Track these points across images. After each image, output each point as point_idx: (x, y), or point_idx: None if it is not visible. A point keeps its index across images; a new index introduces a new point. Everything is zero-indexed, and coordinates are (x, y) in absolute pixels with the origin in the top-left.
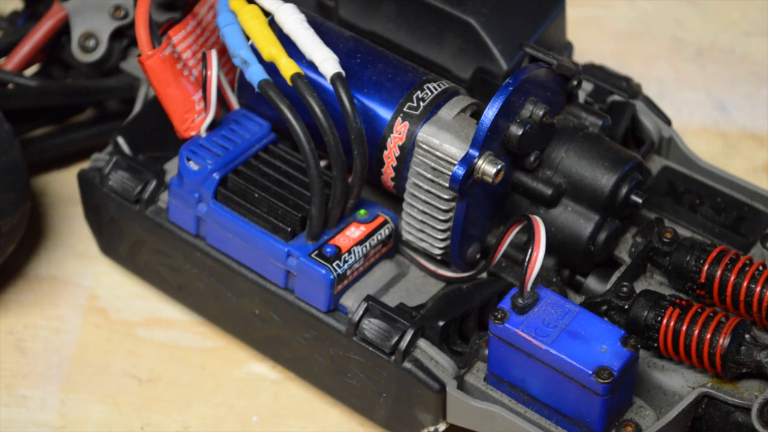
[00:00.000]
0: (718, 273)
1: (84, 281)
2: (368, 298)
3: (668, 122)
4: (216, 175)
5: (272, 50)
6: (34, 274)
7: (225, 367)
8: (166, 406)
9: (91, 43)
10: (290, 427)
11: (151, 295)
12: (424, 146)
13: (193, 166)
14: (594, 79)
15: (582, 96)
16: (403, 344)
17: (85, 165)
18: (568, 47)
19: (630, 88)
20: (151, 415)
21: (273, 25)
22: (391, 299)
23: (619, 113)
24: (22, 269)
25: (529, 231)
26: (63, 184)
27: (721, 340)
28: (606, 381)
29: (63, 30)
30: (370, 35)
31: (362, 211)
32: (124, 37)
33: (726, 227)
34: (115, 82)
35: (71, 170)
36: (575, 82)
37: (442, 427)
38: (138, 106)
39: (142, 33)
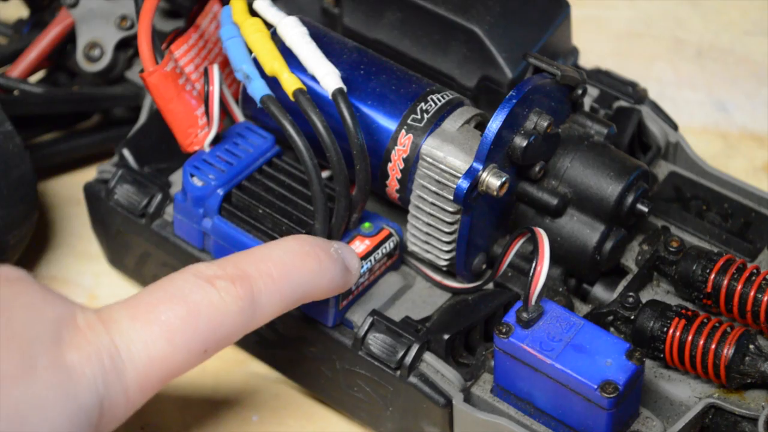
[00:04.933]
0: (725, 282)
1: (84, 281)
2: (373, 313)
3: (675, 127)
4: (220, 191)
5: (274, 65)
6: (35, 274)
7: (225, 367)
8: (166, 406)
9: (96, 52)
10: (290, 427)
11: None
12: (428, 159)
13: (197, 182)
14: (600, 85)
15: (588, 101)
16: (409, 359)
17: (85, 168)
18: (573, 52)
19: (636, 93)
20: (151, 415)
21: (275, 37)
22: (396, 312)
23: (626, 119)
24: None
25: (533, 245)
26: (63, 185)
27: (725, 351)
28: (611, 395)
29: (69, 38)
30: (375, 43)
31: (367, 224)
32: (129, 47)
33: (733, 233)
34: (120, 90)
35: (71, 171)
36: (580, 92)
37: None
38: (143, 117)
39: (144, 48)
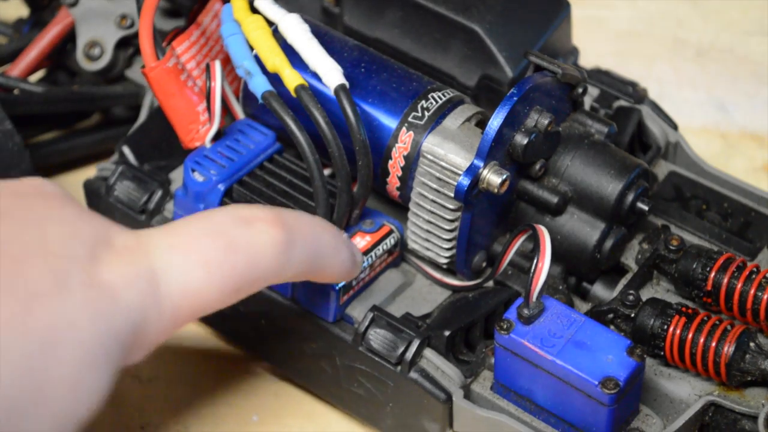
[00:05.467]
0: (725, 281)
1: None
2: (374, 308)
3: (675, 127)
4: (221, 187)
5: (276, 61)
6: None
7: (225, 366)
8: (166, 406)
9: (96, 51)
10: (290, 426)
11: None
12: (429, 156)
13: (198, 177)
14: (600, 84)
15: (588, 101)
16: (409, 354)
17: (85, 168)
18: (573, 52)
19: (636, 93)
20: (151, 415)
21: (276, 35)
22: (397, 308)
23: (626, 118)
24: None
25: (534, 241)
26: (63, 185)
27: (725, 349)
28: (612, 391)
29: (69, 37)
30: (375, 42)
31: (368, 221)
32: (129, 45)
33: (733, 233)
34: (120, 89)
35: (72, 171)
36: (580, 90)
37: None
38: (143, 115)
39: (146, 44)
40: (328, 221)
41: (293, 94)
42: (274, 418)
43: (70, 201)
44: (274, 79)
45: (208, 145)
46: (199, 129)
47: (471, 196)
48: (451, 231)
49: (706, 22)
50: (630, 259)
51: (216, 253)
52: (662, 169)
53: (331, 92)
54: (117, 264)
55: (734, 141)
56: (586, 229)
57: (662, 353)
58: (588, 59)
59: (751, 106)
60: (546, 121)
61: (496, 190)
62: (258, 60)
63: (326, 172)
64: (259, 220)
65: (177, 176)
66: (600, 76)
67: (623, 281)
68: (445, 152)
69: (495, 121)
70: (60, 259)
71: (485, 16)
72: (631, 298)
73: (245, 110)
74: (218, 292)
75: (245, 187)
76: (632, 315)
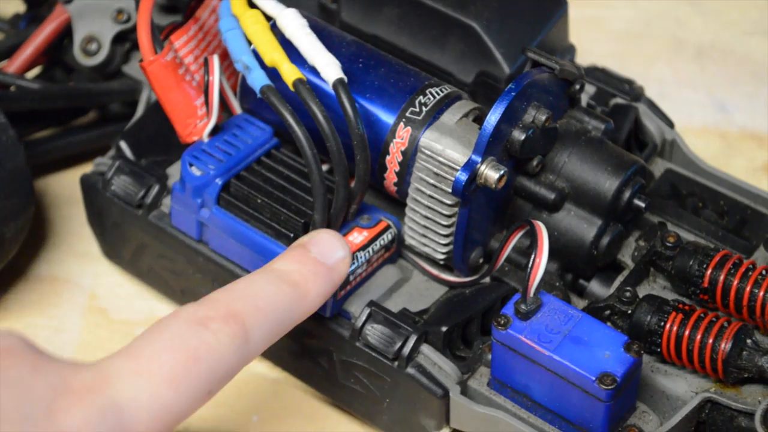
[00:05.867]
0: (721, 277)
1: (84, 281)
2: (371, 304)
3: (671, 125)
4: (218, 181)
5: (274, 55)
6: (34, 274)
7: None
8: None
9: (93, 46)
10: (290, 427)
11: (152, 294)
12: (426, 151)
13: (196, 171)
14: (597, 82)
15: (585, 99)
16: (406, 350)
17: (85, 166)
18: (570, 50)
19: (633, 90)
20: None
21: (275, 29)
22: (394, 304)
23: (622, 116)
24: (22, 269)
25: (532, 237)
26: (63, 185)
27: (722, 345)
28: (609, 387)
29: (65, 33)
30: (372, 38)
31: (365, 216)
32: (126, 40)
33: (729, 230)
34: (117, 85)
35: (71, 170)
36: (578, 87)
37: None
38: (140, 110)
39: (144, 38)
40: (288, 256)
41: (291, 88)
42: (274, 419)
43: (22, 355)
44: (273, 73)
45: (205, 139)
46: (196, 123)
47: (468, 191)
48: (448, 227)
49: (705, 22)
50: (626, 256)
51: (180, 367)
52: (658, 166)
53: (329, 87)
54: (78, 409)
55: (734, 141)
56: (582, 225)
57: (659, 350)
58: (587, 59)
59: (751, 106)
60: (543, 117)
61: (493, 186)
62: (256, 55)
63: (324, 167)
64: (213, 319)
65: (174, 171)
66: (597, 73)
67: (620, 278)
68: (443, 147)
69: (493, 117)
70: (15, 425)
71: (482, 13)
72: (627, 294)
73: (243, 105)
74: (189, 403)
75: (243, 182)
76: (629, 312)
